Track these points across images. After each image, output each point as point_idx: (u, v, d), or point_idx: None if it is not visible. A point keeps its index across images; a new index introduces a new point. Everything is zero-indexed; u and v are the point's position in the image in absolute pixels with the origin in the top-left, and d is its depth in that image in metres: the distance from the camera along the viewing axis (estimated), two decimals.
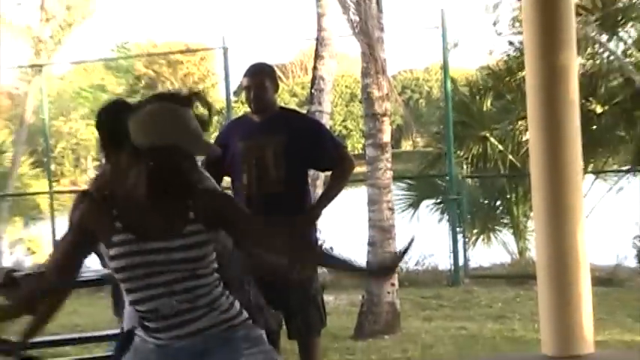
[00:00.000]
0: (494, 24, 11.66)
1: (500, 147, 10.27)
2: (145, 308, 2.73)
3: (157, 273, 2.67)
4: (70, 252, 2.78)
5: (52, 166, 15.08)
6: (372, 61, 7.60)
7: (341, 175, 5.12)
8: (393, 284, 7.63)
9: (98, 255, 3.05)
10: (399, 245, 8.38)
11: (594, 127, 9.66)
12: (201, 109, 2.76)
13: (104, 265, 3.16)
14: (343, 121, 15.09)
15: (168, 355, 2.79)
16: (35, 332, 3.04)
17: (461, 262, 9.81)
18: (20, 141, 13.82)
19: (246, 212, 2.93)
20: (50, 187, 12.24)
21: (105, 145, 3.26)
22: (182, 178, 2.71)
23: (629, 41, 10.34)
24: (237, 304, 2.83)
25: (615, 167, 11.10)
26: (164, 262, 2.65)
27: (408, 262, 9.74)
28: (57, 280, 2.79)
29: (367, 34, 7.61)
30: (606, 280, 8.75)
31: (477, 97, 10.92)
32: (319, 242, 5.91)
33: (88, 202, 2.80)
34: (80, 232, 2.75)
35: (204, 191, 2.85)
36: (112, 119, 3.10)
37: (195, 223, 2.67)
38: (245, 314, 2.86)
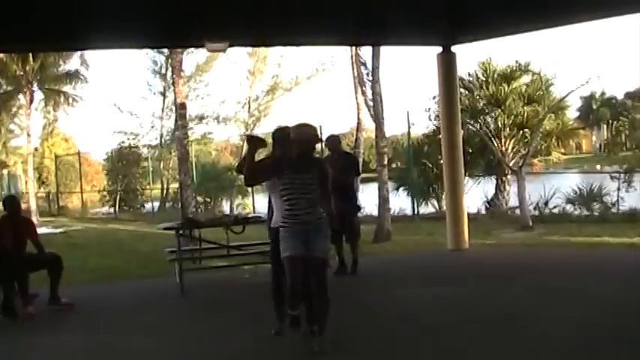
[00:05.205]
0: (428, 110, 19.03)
1: (429, 165, 18.71)
2: (292, 205, 4.79)
3: (298, 188, 4.87)
4: (260, 169, 5.20)
5: None
6: (379, 130, 13.54)
7: (357, 175, 9.78)
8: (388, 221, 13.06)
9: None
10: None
11: (468, 157, 15.21)
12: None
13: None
14: (369, 155, 22.60)
15: (297, 231, 4.79)
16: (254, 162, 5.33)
17: (416, 211, 17.92)
18: None
19: (326, 177, 5.04)
20: None
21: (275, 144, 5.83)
22: (309, 154, 4.99)
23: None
24: (321, 210, 5.00)
25: (475, 173, 18.19)
26: (302, 184, 4.89)
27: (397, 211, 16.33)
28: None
29: (377, 119, 13.56)
30: (472, 218, 13.40)
31: (420, 145, 19.56)
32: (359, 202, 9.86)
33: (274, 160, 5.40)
34: (269, 168, 5.20)
35: (318, 162, 5.14)
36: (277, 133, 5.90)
37: (313, 171, 4.98)
38: (323, 215, 4.94)
